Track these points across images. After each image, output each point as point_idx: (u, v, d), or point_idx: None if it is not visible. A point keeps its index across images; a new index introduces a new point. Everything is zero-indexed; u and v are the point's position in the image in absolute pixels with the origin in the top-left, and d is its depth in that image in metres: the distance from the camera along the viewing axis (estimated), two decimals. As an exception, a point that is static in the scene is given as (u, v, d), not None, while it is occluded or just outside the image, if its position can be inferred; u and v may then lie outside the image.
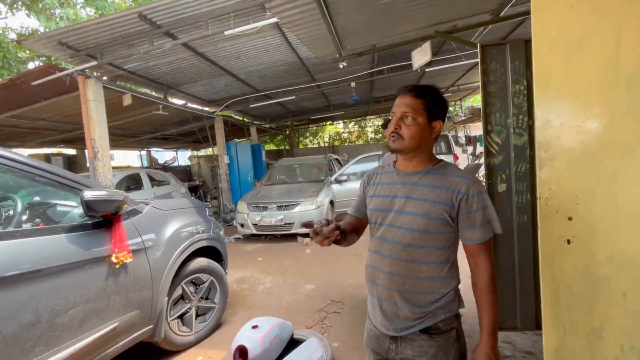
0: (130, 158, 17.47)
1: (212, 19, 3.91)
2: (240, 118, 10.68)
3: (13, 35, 9.17)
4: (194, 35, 4.14)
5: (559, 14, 1.08)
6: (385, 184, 1.16)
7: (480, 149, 11.42)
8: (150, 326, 2.17)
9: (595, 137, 1.05)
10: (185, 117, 8.25)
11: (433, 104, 1.06)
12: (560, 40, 1.09)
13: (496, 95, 2.25)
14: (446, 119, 1.14)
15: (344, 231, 1.11)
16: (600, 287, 1.05)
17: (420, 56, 4.35)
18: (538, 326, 2.25)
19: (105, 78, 5.37)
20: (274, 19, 3.61)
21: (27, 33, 9.37)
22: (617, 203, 1.01)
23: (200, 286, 2.67)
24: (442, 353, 1.05)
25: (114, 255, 1.85)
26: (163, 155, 16.64)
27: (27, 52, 8.87)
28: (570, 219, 1.10)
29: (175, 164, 15.48)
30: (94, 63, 4.49)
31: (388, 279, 1.08)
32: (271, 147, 19.69)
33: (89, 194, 1.72)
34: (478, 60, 2.27)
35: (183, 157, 17.58)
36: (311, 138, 21.57)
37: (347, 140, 21.51)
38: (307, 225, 1.04)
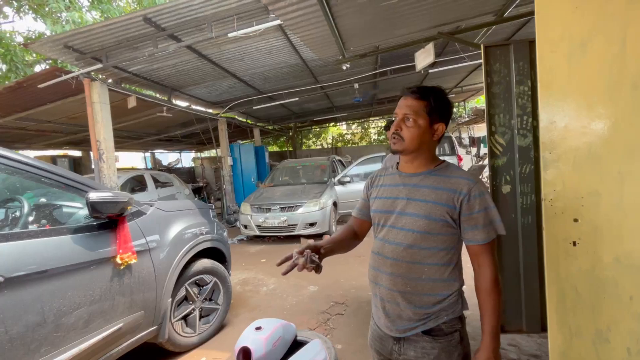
0: (135, 160, 17.61)
1: (215, 21, 3.94)
2: (244, 120, 10.72)
3: (20, 39, 9.30)
4: (198, 38, 4.17)
5: (563, 15, 1.08)
6: (387, 185, 1.17)
7: (484, 150, 11.37)
8: (155, 327, 2.18)
9: (601, 138, 1.04)
10: (189, 119, 8.30)
11: (436, 106, 1.05)
12: (564, 41, 1.09)
13: (500, 96, 2.24)
14: (450, 120, 1.14)
15: (319, 263, 1.08)
16: (606, 289, 1.04)
17: (424, 57, 4.35)
18: (543, 329, 2.23)
19: (110, 80, 5.42)
20: (277, 21, 3.62)
21: (33, 36, 9.48)
22: (623, 204, 1.00)
23: (204, 287, 2.68)
24: (445, 355, 1.04)
25: (118, 256, 1.86)
26: (167, 157, 16.76)
27: (34, 55, 8.97)
28: (575, 220, 1.09)
29: (179, 165, 15.56)
30: (100, 66, 4.54)
31: (390, 280, 1.08)
32: (274, 148, 19.73)
33: (94, 196, 1.74)
34: (481, 61, 2.26)
35: (187, 159, 17.67)
36: (314, 139, 21.59)
37: (350, 141, 21.50)
38: (285, 261, 1.11)
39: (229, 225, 7.91)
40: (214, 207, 3.20)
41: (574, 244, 1.09)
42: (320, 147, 20.71)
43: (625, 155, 0.99)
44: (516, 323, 2.32)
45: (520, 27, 5.09)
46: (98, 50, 4.45)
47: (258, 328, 1.81)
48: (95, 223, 1.87)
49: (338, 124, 18.21)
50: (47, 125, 7.09)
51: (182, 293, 2.46)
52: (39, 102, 5.46)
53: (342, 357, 2.37)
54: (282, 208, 5.82)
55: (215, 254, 2.88)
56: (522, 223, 2.24)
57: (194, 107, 7.96)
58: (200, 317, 2.64)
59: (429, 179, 1.07)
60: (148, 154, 15.30)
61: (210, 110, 8.72)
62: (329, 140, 21.33)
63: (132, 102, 5.52)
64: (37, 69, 9.40)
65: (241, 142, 11.26)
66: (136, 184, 7.31)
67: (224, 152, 9.05)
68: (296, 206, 5.77)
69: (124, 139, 9.89)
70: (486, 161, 9.95)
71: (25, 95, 5.01)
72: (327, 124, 17.67)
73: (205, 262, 2.67)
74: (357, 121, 18.55)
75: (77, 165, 10.79)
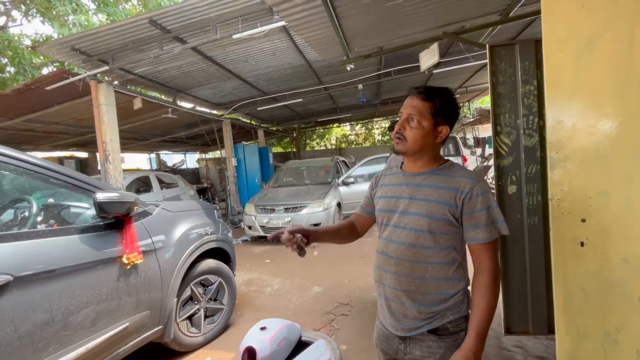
0: (140, 161, 17.75)
1: (220, 23, 3.96)
2: (248, 121, 10.76)
3: (28, 42, 9.42)
4: (203, 40, 4.20)
5: (569, 13, 1.07)
6: (391, 185, 1.17)
7: (489, 150, 11.28)
8: (160, 327, 2.19)
9: (608, 137, 1.03)
10: (194, 120, 8.35)
11: (441, 108, 1.04)
12: (571, 40, 1.08)
13: (506, 96, 2.23)
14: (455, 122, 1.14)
15: (304, 248, 1.12)
16: (615, 290, 1.03)
17: (428, 58, 4.33)
18: (550, 330, 2.20)
19: (116, 82, 5.47)
20: (282, 23, 3.64)
21: (41, 39, 9.61)
22: (632, 204, 0.99)
23: (209, 287, 2.69)
24: (451, 354, 1.03)
25: (125, 256, 1.88)
26: (172, 158, 16.88)
27: (42, 57, 9.10)
28: (583, 220, 1.08)
29: (184, 166, 15.65)
30: (106, 68, 4.59)
31: (394, 279, 1.08)
32: (278, 149, 19.77)
33: (101, 196, 1.76)
34: (486, 61, 2.25)
35: (191, 160, 17.78)
36: (318, 140, 21.60)
37: (354, 142, 21.48)
38: (277, 236, 1.13)
39: (233, 226, 7.94)
40: (218, 208, 3.22)
41: (582, 244, 1.08)
42: (324, 148, 20.72)
43: (634, 154, 0.98)
44: (522, 324, 2.29)
45: (526, 27, 5.06)
46: (104, 52, 4.50)
47: (263, 328, 1.81)
48: (102, 223, 1.89)
49: (342, 124, 18.21)
50: (54, 127, 7.17)
51: (187, 293, 2.47)
52: (47, 104, 5.53)
53: (347, 357, 2.37)
54: (286, 209, 5.83)
55: (220, 254, 2.89)
56: (529, 224, 2.22)
57: (198, 108, 8.01)
58: (205, 317, 2.65)
59: (431, 178, 1.07)
60: (153, 155, 15.42)
61: (215, 112, 8.77)
62: (333, 141, 21.33)
63: (137, 104, 5.56)
64: (45, 71, 9.53)
65: (245, 143, 11.32)
66: (141, 184, 7.36)
67: (229, 153, 9.09)
68: (300, 207, 5.78)
69: (130, 140, 9.98)
70: (491, 162, 9.87)
71: (33, 97, 5.07)
72: (331, 125, 17.69)
73: (210, 262, 2.68)
74: (361, 122, 18.53)
75: (84, 167, 10.91)
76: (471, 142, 12.35)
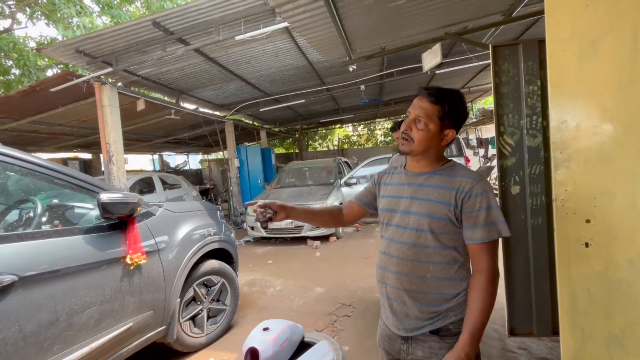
0: (143, 162, 17.83)
1: (223, 24, 3.98)
2: (250, 122, 10.79)
3: (33, 44, 9.51)
4: (206, 41, 4.22)
5: (573, 13, 1.07)
6: (394, 184, 1.18)
7: (492, 151, 11.24)
8: (163, 327, 2.20)
9: (613, 137, 1.03)
10: (197, 121, 8.38)
11: (450, 112, 1.04)
12: (575, 40, 1.07)
13: (509, 96, 2.22)
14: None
15: (267, 222, 1.23)
16: (620, 291, 1.03)
17: (431, 58, 4.33)
18: (555, 332, 2.19)
19: (120, 84, 5.51)
20: (284, 24, 3.64)
21: (46, 42, 9.69)
22: (637, 204, 0.98)
23: (212, 288, 2.70)
24: (453, 356, 1.03)
25: (128, 256, 1.89)
26: (175, 159, 16.95)
27: (46, 60, 9.17)
28: (588, 221, 1.07)
29: (187, 167, 15.70)
30: (110, 69, 4.62)
31: (396, 279, 1.08)
32: (281, 150, 19.80)
33: (105, 197, 1.77)
34: (489, 61, 2.24)
35: (194, 161, 17.84)
36: (320, 141, 21.61)
37: (357, 143, 21.47)
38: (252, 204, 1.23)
39: (235, 227, 7.95)
40: (221, 209, 3.22)
41: (587, 245, 1.07)
42: (326, 148, 20.72)
43: (638, 154, 0.98)
44: (526, 326, 2.28)
45: (529, 27, 5.04)
46: (108, 54, 4.53)
47: (265, 329, 1.81)
48: (105, 224, 1.90)
49: (344, 125, 18.21)
50: (58, 128, 7.23)
51: (190, 293, 2.48)
52: (51, 105, 5.57)
53: (350, 358, 2.36)
54: (288, 209, 5.82)
55: (222, 255, 2.90)
56: (532, 224, 2.21)
57: (201, 109, 8.04)
58: (208, 317, 2.66)
59: (433, 179, 1.07)
60: (156, 156, 15.49)
61: (218, 113, 8.80)
62: (335, 142, 21.33)
63: (141, 105, 5.59)
64: (49, 73, 9.61)
65: (248, 144, 11.35)
66: (145, 185, 7.40)
67: (231, 154, 9.12)
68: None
69: (133, 142, 10.03)
70: (494, 162, 9.83)
71: (38, 99, 5.11)
72: (333, 126, 17.70)
73: (213, 263, 2.69)
74: (363, 123, 18.52)
75: (87, 168, 10.97)
76: (474, 142, 12.31)
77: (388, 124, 17.67)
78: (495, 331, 2.49)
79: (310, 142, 20.40)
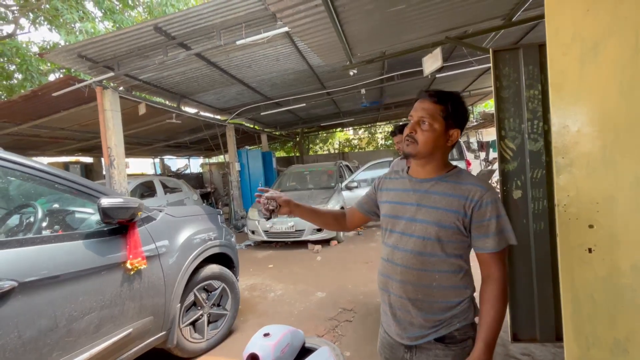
0: (144, 166, 17.86)
1: (224, 29, 4.00)
2: (251, 126, 10.82)
3: (35, 49, 9.57)
4: (207, 46, 4.24)
5: (574, 17, 1.07)
6: (397, 190, 1.15)
7: (493, 154, 11.23)
8: (163, 332, 2.18)
9: (615, 142, 1.02)
10: (198, 125, 8.40)
11: (453, 111, 1.04)
12: (576, 44, 1.07)
13: (510, 100, 2.22)
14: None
15: (270, 216, 1.26)
16: (624, 297, 1.01)
17: (431, 62, 4.34)
18: (558, 338, 2.17)
19: (121, 88, 5.53)
20: (285, 29, 3.66)
21: (48, 46, 9.76)
22: (641, 210, 0.97)
23: (212, 293, 2.69)
24: (458, 363, 1.02)
25: (129, 261, 1.88)
26: (176, 163, 16.96)
27: (49, 64, 9.22)
28: (591, 226, 1.06)
29: (188, 171, 15.74)
30: (111, 74, 4.64)
31: (400, 287, 1.06)
32: (281, 154, 19.82)
33: (105, 202, 1.77)
34: (489, 65, 2.25)
35: (195, 165, 17.86)
36: (321, 145, 21.63)
37: (357, 146, 21.48)
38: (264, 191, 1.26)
39: (236, 231, 7.94)
40: (221, 213, 3.22)
41: (590, 250, 1.06)
42: (327, 152, 20.74)
43: (642, 159, 0.97)
44: (529, 332, 2.26)
45: (529, 31, 5.05)
46: (110, 59, 4.56)
47: (266, 334, 1.79)
48: (106, 229, 1.89)
49: (345, 129, 18.24)
50: (60, 132, 7.25)
51: (190, 298, 2.47)
52: (53, 109, 5.59)
53: (351, 364, 2.34)
54: (289, 213, 5.81)
55: (223, 259, 2.89)
56: (534, 229, 2.20)
57: (202, 113, 8.07)
58: (209, 322, 2.64)
59: (440, 185, 1.05)
60: (157, 160, 15.52)
61: (219, 117, 8.83)
62: (336, 146, 21.35)
63: (142, 109, 5.61)
64: (52, 77, 9.66)
65: (249, 147, 11.36)
66: (145, 189, 7.41)
67: (232, 157, 9.13)
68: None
69: (134, 146, 10.06)
70: (495, 166, 9.81)
71: (40, 103, 5.14)
72: (334, 129, 17.72)
73: (213, 268, 2.68)
74: (364, 126, 18.55)
75: (89, 172, 10.99)
76: (475, 146, 12.31)
77: (389, 127, 17.70)
78: (498, 337, 2.46)
79: (311, 145, 20.42)
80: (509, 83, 2.22)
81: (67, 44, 7.69)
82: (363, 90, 7.33)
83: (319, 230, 5.63)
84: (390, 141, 18.80)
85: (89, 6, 9.71)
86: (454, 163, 1.12)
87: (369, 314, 3.11)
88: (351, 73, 5.14)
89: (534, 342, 2.26)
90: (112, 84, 5.33)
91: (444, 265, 1.03)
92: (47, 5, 8.42)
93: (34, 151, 9.11)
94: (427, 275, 1.03)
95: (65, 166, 10.22)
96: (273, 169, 10.87)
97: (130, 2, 10.18)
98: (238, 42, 3.96)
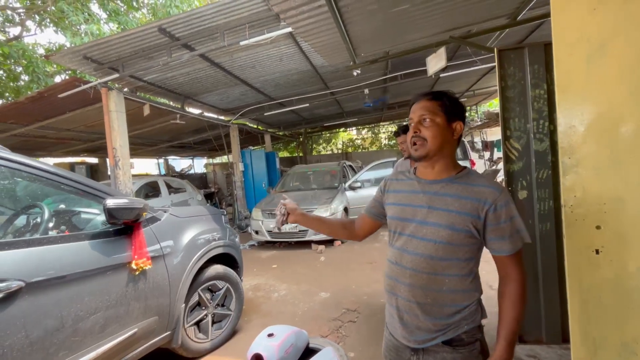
0: (149, 166, 17.97)
1: (228, 30, 4.02)
2: (255, 126, 10.84)
3: (41, 51, 9.67)
4: (211, 47, 4.25)
5: (580, 16, 1.06)
6: (405, 192, 1.13)
7: (497, 154, 11.15)
8: (168, 332, 2.20)
9: (622, 142, 1.01)
10: (202, 125, 8.44)
11: (450, 105, 1.04)
12: (582, 43, 1.06)
13: (515, 100, 2.20)
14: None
15: (280, 226, 1.33)
16: (632, 299, 1.00)
17: (436, 62, 4.32)
18: (565, 339, 2.15)
19: (126, 89, 5.57)
20: (288, 29, 3.66)
21: (54, 48, 9.86)
22: (649, 211, 0.96)
23: (217, 293, 2.69)
24: (465, 366, 1.01)
25: (134, 262, 1.89)
26: (180, 163, 17.04)
27: (55, 66, 9.32)
28: (598, 227, 1.05)
29: (192, 171, 15.81)
30: (116, 75, 4.68)
31: (409, 291, 1.04)
32: (285, 154, 19.84)
33: (111, 202, 1.78)
34: (494, 64, 2.24)
35: (199, 165, 17.94)
36: (324, 145, 21.62)
37: (361, 146, 21.45)
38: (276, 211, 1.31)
39: (240, 231, 7.96)
40: (225, 213, 3.23)
41: (597, 252, 1.05)
42: (330, 152, 20.73)
43: (650, 160, 0.96)
44: (535, 333, 2.24)
45: (534, 30, 5.01)
46: (115, 60, 4.59)
47: (270, 335, 1.80)
48: (111, 229, 1.91)
49: (348, 129, 18.21)
50: (66, 133, 7.32)
51: (195, 299, 2.48)
52: (59, 111, 5.65)
53: (355, 365, 2.34)
54: (293, 213, 5.81)
55: (227, 259, 2.90)
56: (540, 230, 2.18)
57: (206, 114, 8.10)
58: (213, 322, 2.65)
59: (451, 187, 1.03)
60: (161, 161, 15.61)
61: (222, 117, 8.86)
62: (339, 146, 21.33)
63: (146, 110, 5.65)
64: (57, 79, 9.76)
65: (252, 148, 11.40)
66: (150, 189, 7.45)
67: (236, 158, 9.16)
68: (307, 212, 5.76)
69: (139, 146, 10.12)
70: (499, 165, 9.74)
71: (46, 104, 5.19)
72: (337, 130, 17.70)
73: (217, 268, 2.69)
74: (367, 126, 18.52)
75: (94, 172, 11.08)
76: (479, 145, 12.24)
77: (392, 127, 17.65)
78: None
79: (314, 145, 20.41)
80: (514, 82, 2.20)
81: (72, 45, 7.77)
82: (366, 90, 7.32)
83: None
84: (394, 141, 18.74)
85: (94, 8, 9.81)
86: (459, 163, 1.11)
87: (373, 314, 3.10)
88: (355, 73, 5.13)
89: (540, 344, 2.24)
90: (117, 85, 5.37)
91: (454, 269, 1.01)
92: (53, 8, 8.51)
93: (40, 152, 9.21)
94: (438, 279, 1.02)
95: (71, 167, 10.31)
96: (276, 169, 10.89)
97: (134, 3, 10.25)
98: (242, 43, 3.97)
